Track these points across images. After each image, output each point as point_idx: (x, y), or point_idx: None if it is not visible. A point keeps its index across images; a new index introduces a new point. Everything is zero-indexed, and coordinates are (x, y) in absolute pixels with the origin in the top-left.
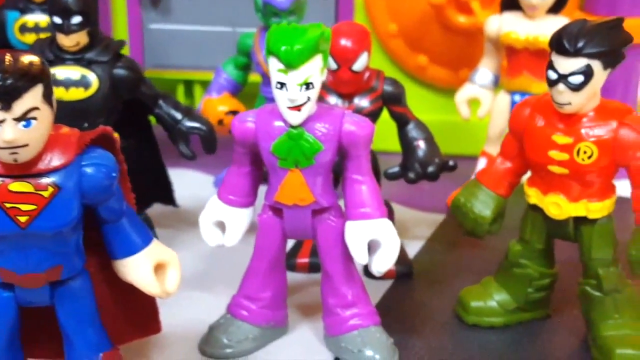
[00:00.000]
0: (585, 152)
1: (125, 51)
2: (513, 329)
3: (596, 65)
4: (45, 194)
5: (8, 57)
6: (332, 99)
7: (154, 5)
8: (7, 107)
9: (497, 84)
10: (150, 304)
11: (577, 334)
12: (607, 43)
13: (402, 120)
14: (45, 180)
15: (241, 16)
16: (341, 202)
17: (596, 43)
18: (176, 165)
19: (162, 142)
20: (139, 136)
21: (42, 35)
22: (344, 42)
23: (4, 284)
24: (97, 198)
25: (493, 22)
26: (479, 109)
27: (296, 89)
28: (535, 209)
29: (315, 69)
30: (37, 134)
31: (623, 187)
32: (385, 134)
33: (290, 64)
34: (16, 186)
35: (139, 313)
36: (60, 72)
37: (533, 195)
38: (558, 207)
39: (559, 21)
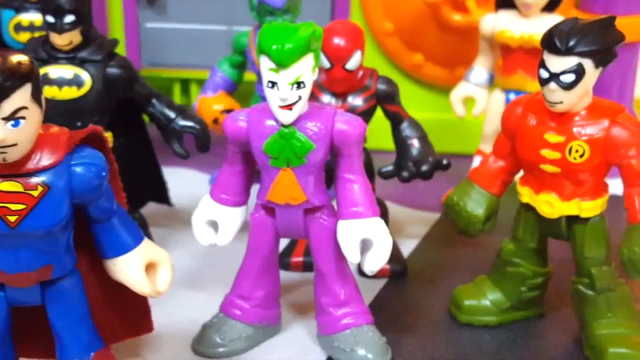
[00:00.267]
0: (577, 151)
1: (122, 50)
2: (506, 327)
3: (587, 64)
4: (35, 193)
5: None
6: (326, 98)
7: (150, 4)
8: None
9: (492, 83)
10: (142, 303)
11: (570, 332)
12: (599, 42)
13: (396, 119)
14: (34, 180)
15: (237, 15)
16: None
17: (587, 42)
18: (172, 163)
19: (156, 141)
20: (133, 135)
21: (37, 34)
22: (338, 40)
23: None
24: (87, 197)
25: (488, 21)
26: (474, 108)
27: (287, 88)
28: (528, 207)
29: (307, 68)
30: (26, 133)
31: (617, 186)
32: (379, 133)
33: (281, 63)
34: (5, 186)
35: (130, 312)
36: (53, 71)
37: (525, 194)
38: (550, 206)
39: (554, 20)
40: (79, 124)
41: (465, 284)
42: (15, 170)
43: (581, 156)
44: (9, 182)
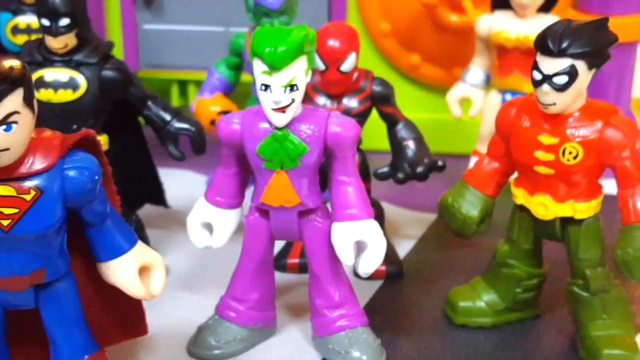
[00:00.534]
0: (570, 153)
1: (119, 51)
2: (502, 329)
3: (580, 65)
4: (28, 197)
5: None
6: (321, 100)
7: (147, 6)
8: None
9: (488, 83)
10: (137, 305)
11: (566, 333)
12: (592, 43)
13: (391, 120)
14: (27, 184)
15: (234, 16)
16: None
17: (580, 43)
18: (168, 165)
19: (152, 142)
20: (128, 137)
21: (34, 37)
22: (332, 42)
23: None
24: (80, 201)
25: (484, 22)
26: (470, 108)
27: (280, 91)
28: (523, 209)
29: (300, 71)
30: (18, 138)
31: (612, 186)
32: (375, 133)
33: (274, 66)
34: None
35: (125, 315)
36: (48, 74)
37: (520, 196)
38: (544, 207)
39: (550, 20)
40: (74, 126)
41: (462, 285)
42: (8, 174)
43: (575, 158)
44: (1, 186)
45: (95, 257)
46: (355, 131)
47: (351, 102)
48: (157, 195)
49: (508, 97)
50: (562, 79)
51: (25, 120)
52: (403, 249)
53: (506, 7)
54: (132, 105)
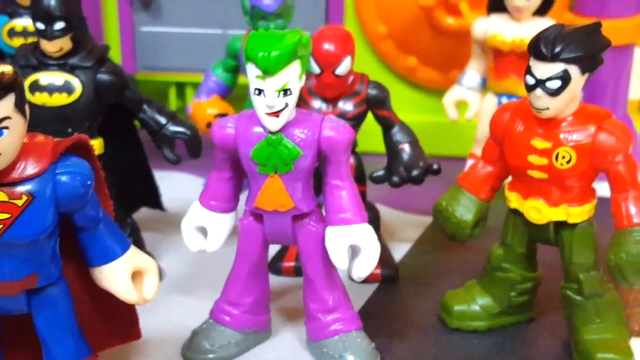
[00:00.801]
0: (563, 157)
1: (117, 54)
2: (496, 332)
3: (573, 70)
4: (19, 202)
5: None
6: (317, 103)
7: (145, 8)
8: None
9: (484, 86)
10: (130, 310)
11: (560, 337)
12: (585, 48)
13: (386, 124)
14: (19, 189)
15: (232, 18)
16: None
17: (573, 48)
18: (164, 167)
19: (148, 145)
20: (124, 140)
21: (31, 40)
22: (327, 46)
23: None
24: (72, 206)
25: (480, 25)
26: (466, 111)
27: (274, 95)
28: (516, 213)
29: (294, 75)
30: (10, 143)
31: (605, 188)
32: (370, 135)
33: (267, 71)
34: None
35: (118, 319)
36: (43, 77)
37: (513, 200)
38: (538, 211)
39: (545, 23)
40: (69, 130)
41: (457, 288)
42: None
43: (568, 162)
44: None
45: (88, 262)
46: (349, 135)
47: (347, 106)
48: (153, 198)
49: (504, 100)
50: (555, 84)
51: (17, 126)
52: (399, 252)
53: (502, 10)
54: (127, 109)
